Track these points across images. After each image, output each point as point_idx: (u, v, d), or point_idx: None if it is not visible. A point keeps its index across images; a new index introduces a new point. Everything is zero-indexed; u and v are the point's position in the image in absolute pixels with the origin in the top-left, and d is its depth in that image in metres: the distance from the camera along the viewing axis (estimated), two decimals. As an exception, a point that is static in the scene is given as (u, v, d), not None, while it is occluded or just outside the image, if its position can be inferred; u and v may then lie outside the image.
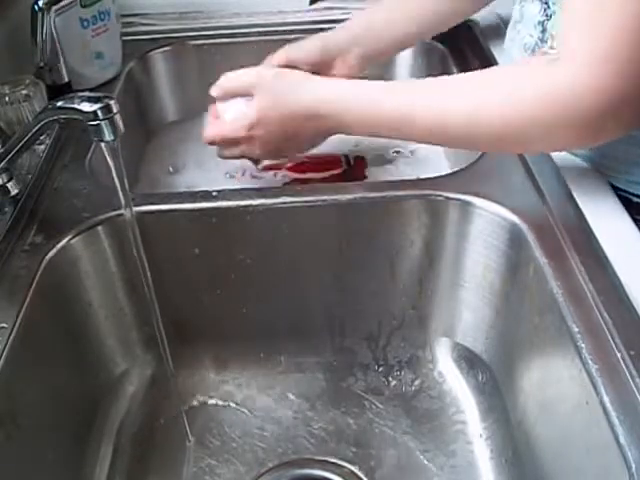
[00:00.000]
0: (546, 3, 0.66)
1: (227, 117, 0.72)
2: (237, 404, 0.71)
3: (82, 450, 0.65)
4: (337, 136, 0.79)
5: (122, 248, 0.64)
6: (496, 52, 0.87)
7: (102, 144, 0.51)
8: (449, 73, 0.86)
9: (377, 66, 0.83)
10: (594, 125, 0.49)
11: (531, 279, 0.58)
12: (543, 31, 0.67)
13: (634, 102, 0.47)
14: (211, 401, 0.71)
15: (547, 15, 0.66)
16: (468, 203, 0.64)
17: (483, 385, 0.70)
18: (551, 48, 0.66)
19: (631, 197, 0.63)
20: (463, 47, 0.89)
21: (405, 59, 0.96)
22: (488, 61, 0.85)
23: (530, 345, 0.60)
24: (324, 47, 0.75)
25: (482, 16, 0.90)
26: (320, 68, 0.74)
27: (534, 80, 0.51)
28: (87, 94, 0.52)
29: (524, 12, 0.69)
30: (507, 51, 0.76)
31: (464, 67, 0.85)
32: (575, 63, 0.48)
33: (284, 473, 0.65)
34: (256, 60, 0.96)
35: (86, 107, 0.50)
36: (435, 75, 0.91)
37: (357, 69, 0.76)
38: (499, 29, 0.91)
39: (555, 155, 0.67)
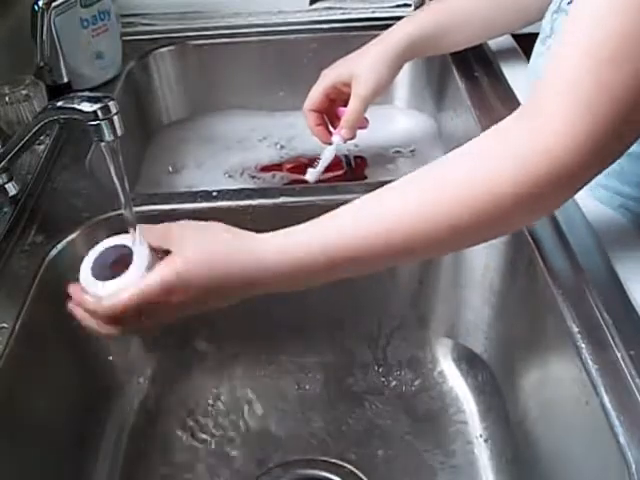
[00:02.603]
0: None
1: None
2: (237, 404, 0.71)
3: (82, 450, 0.64)
4: (337, 137, 0.79)
5: (122, 248, 0.64)
6: (496, 50, 0.87)
7: (102, 144, 0.51)
8: (449, 73, 0.87)
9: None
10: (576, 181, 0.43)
11: (531, 279, 0.58)
12: None
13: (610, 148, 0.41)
14: (211, 401, 0.71)
15: None
16: (468, 203, 0.64)
17: (483, 385, 0.70)
18: None
19: None
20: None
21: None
22: (488, 60, 0.86)
23: (530, 345, 0.60)
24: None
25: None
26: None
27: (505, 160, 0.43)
28: (87, 94, 0.52)
29: (555, 27, 0.67)
30: (533, 66, 0.74)
31: (464, 67, 0.85)
32: (551, 125, 0.41)
33: (284, 473, 0.65)
34: (256, 60, 0.97)
35: (86, 107, 0.50)
36: (434, 74, 0.92)
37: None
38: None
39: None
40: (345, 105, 0.78)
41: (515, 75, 0.82)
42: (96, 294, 0.49)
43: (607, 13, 0.38)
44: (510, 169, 0.42)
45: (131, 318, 0.48)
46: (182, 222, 0.52)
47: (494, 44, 0.88)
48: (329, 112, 0.80)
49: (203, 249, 0.48)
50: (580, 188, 0.44)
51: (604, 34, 0.38)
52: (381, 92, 0.77)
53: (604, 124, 0.39)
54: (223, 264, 0.48)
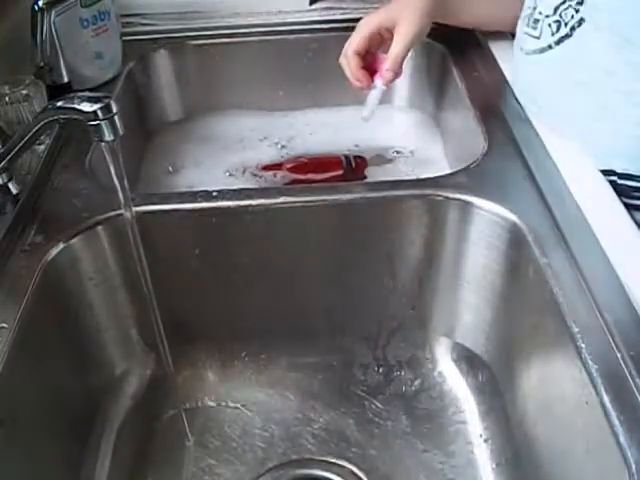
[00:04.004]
0: None
1: None
2: (237, 404, 0.71)
3: (82, 450, 0.65)
4: (337, 136, 0.79)
5: (122, 248, 0.64)
6: (495, 50, 0.87)
7: (102, 144, 0.51)
8: (449, 73, 0.87)
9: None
10: None
11: (531, 279, 0.58)
12: None
13: None
14: (211, 401, 0.72)
15: None
16: (468, 203, 0.64)
17: (483, 385, 0.70)
18: (539, 13, 0.69)
19: (616, 179, 0.64)
20: (463, 47, 0.89)
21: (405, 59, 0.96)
22: (488, 60, 0.86)
23: (530, 345, 0.60)
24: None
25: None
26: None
27: None
28: (87, 94, 0.52)
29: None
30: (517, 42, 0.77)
31: (464, 67, 0.85)
32: None
33: (284, 473, 0.65)
34: (256, 60, 0.97)
35: (86, 107, 0.50)
36: (434, 75, 0.92)
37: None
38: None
39: (554, 154, 0.67)
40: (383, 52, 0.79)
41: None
42: None
43: None
44: None
45: None
46: None
47: (493, 43, 0.88)
48: (365, 59, 0.81)
49: None
50: None
51: None
52: (421, 39, 0.79)
53: None
54: None
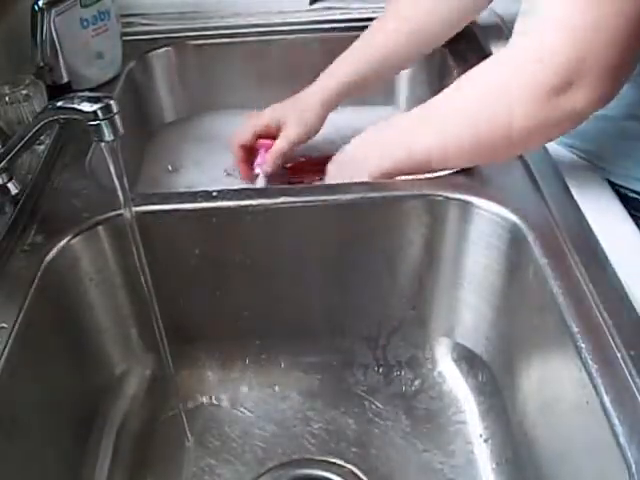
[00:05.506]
0: None
1: None
2: (237, 404, 0.71)
3: (82, 450, 0.64)
4: (336, 136, 0.79)
5: (122, 248, 0.64)
6: (495, 50, 0.87)
7: (102, 144, 0.51)
8: (449, 73, 0.87)
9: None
10: (559, 89, 0.51)
11: (531, 279, 0.58)
12: None
13: (596, 69, 0.50)
14: (211, 401, 0.71)
15: None
16: (468, 203, 0.64)
17: (483, 385, 0.70)
18: None
19: (627, 192, 0.64)
20: (463, 47, 0.89)
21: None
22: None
23: (530, 345, 0.60)
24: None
25: (481, 16, 0.90)
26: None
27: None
28: (87, 94, 0.52)
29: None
30: None
31: (464, 67, 0.85)
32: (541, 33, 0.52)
33: (284, 473, 0.65)
34: (256, 60, 0.97)
35: (86, 107, 0.50)
36: (434, 75, 0.92)
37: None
38: (499, 29, 0.91)
39: (555, 154, 0.67)
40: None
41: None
42: None
43: None
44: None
45: None
46: None
47: (493, 43, 0.88)
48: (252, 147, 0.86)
49: None
50: (569, 105, 0.52)
51: None
52: (309, 138, 0.84)
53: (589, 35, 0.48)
54: None
